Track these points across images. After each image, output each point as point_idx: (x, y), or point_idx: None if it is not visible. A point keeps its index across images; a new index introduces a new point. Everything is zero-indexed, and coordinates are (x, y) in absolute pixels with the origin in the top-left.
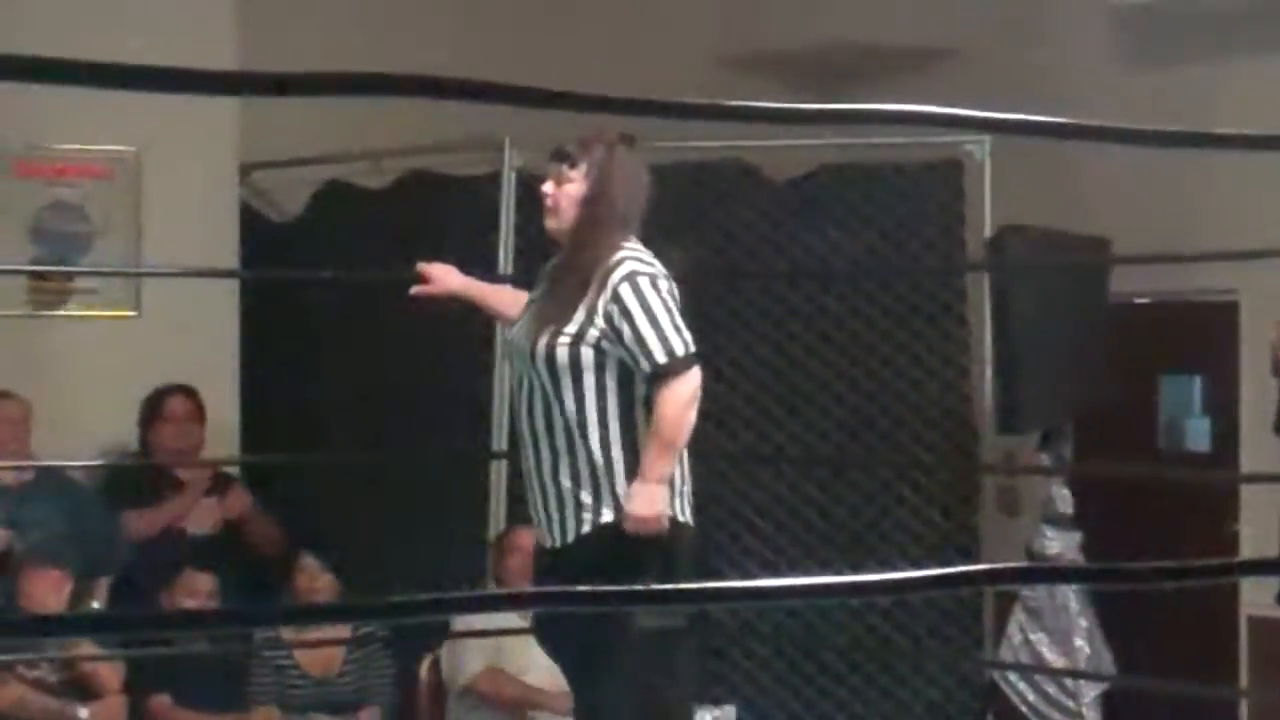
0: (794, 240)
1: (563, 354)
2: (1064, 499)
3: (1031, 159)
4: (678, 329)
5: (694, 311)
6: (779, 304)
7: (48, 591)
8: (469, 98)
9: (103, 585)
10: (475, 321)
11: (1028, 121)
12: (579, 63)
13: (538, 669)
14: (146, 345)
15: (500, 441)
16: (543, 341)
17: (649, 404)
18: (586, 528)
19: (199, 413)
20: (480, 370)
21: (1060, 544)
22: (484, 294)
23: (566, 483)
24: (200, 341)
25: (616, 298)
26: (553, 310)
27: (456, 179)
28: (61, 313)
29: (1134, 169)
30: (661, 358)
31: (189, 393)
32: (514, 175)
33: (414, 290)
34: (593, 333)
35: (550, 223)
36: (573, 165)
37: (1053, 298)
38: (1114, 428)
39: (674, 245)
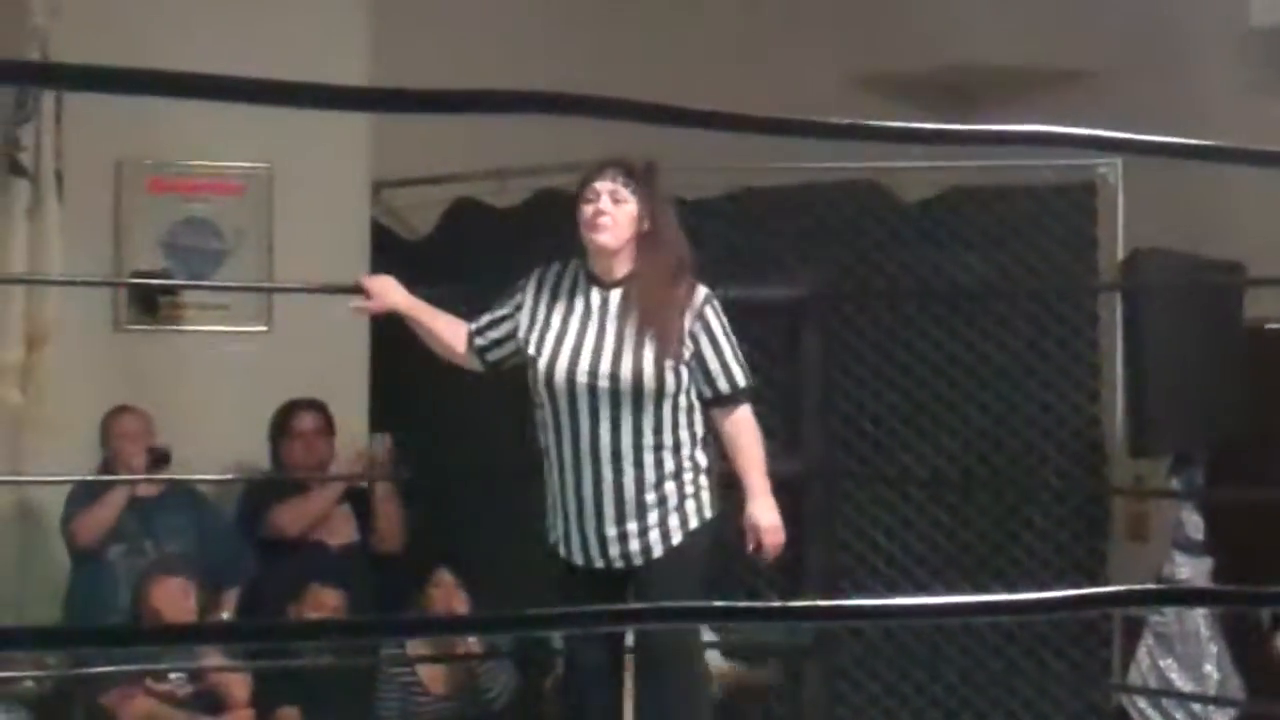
0: (924, 261)
1: (670, 376)
2: (1195, 525)
3: (1164, 182)
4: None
5: (823, 332)
6: (908, 325)
7: (172, 600)
8: (613, 116)
9: (231, 598)
10: None
11: (1161, 143)
12: (708, 82)
13: None
14: (277, 361)
15: None
16: (648, 362)
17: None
18: (676, 539)
19: (328, 427)
20: None
21: (1190, 570)
22: (429, 317)
23: (652, 500)
24: (331, 357)
25: (702, 317)
26: (655, 333)
27: None
28: (193, 328)
29: (1268, 193)
30: (742, 381)
31: (318, 408)
32: None
33: (354, 305)
34: (685, 353)
35: (608, 239)
36: (630, 186)
37: (1185, 321)
38: (1246, 453)
39: (805, 264)
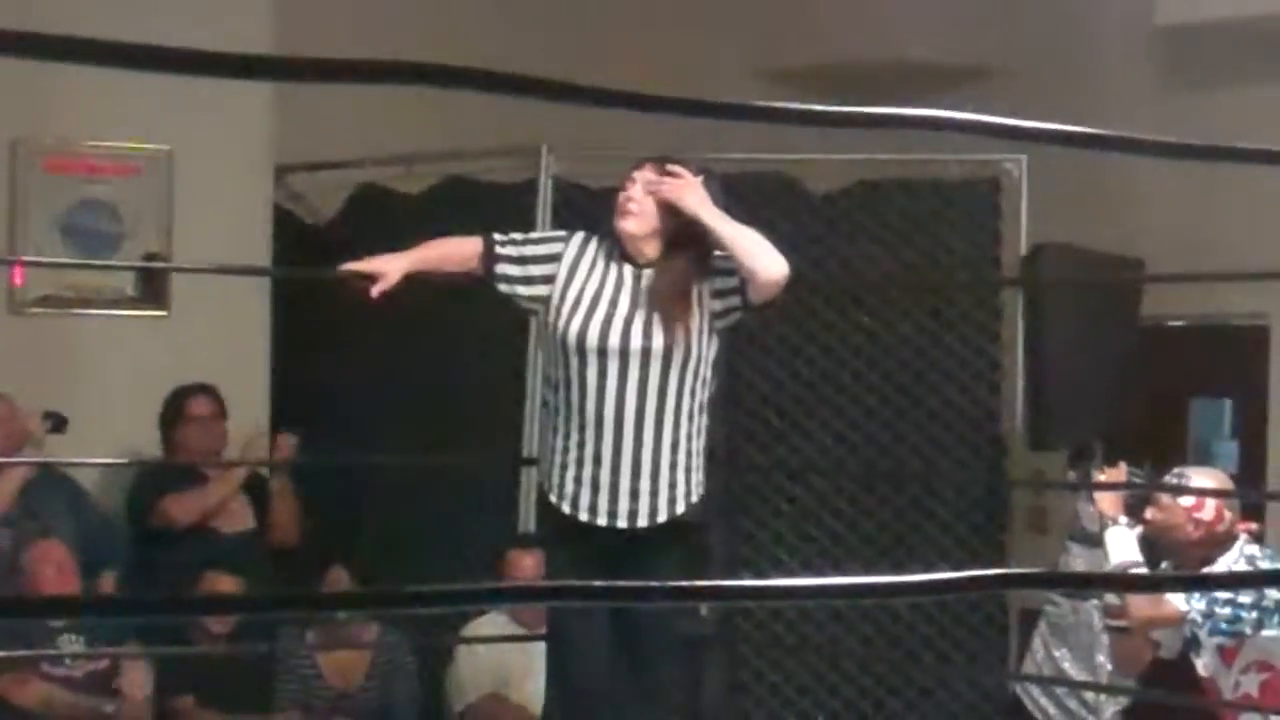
0: (830, 254)
1: (694, 344)
2: (1090, 517)
3: (1068, 178)
4: None
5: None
6: (813, 317)
7: (53, 564)
8: (520, 92)
9: (109, 580)
10: (507, 323)
11: (1066, 133)
12: (616, 73)
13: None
14: (176, 346)
15: (531, 448)
16: (677, 331)
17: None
18: (680, 507)
19: (221, 412)
20: (513, 375)
21: (1086, 561)
22: (428, 259)
23: (666, 463)
24: (230, 343)
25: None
26: (681, 306)
27: (493, 185)
28: (91, 312)
29: (1169, 191)
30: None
31: (211, 392)
32: (551, 182)
33: (375, 290)
34: (712, 322)
35: (630, 225)
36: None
37: (1086, 317)
38: (1143, 449)
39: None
